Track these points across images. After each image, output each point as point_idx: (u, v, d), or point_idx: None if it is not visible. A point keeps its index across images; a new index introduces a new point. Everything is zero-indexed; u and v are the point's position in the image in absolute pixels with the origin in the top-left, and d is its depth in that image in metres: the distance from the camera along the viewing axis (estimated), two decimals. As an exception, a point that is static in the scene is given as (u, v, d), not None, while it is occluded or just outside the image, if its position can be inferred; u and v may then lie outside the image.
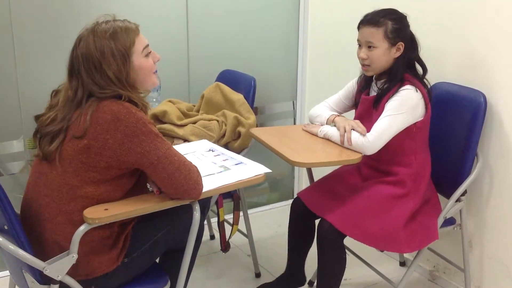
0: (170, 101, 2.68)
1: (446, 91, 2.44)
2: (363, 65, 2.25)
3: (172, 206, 1.74)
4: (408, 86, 2.15)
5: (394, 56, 2.20)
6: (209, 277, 2.80)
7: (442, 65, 2.54)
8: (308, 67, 3.46)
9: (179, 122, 2.55)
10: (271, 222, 3.35)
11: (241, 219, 2.64)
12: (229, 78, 2.83)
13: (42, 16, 2.64)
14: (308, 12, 3.36)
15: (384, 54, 2.19)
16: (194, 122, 2.54)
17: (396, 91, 2.16)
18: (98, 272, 1.71)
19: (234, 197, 2.60)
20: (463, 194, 2.29)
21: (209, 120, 2.55)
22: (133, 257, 1.77)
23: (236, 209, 2.61)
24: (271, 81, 3.44)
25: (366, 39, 2.21)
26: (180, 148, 2.17)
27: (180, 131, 2.50)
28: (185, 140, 2.47)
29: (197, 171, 1.73)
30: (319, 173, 2.52)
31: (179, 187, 1.69)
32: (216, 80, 2.87)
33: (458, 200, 2.30)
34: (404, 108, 2.14)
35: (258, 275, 2.81)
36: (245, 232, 2.80)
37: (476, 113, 2.25)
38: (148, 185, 1.82)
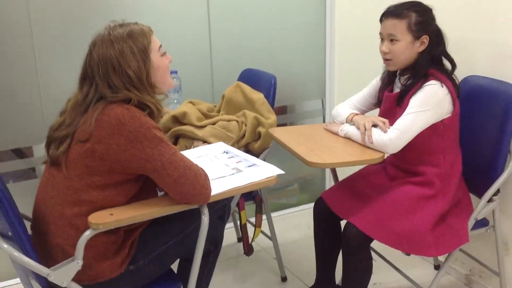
0: (190, 102, 2.63)
1: (476, 85, 2.30)
2: (385, 59, 2.15)
3: (179, 211, 1.68)
4: (433, 81, 2.04)
5: (418, 50, 2.09)
6: (235, 280, 2.74)
7: (472, 57, 2.41)
8: (336, 64, 3.37)
9: (198, 124, 2.50)
10: (300, 224, 3.27)
11: (265, 221, 2.57)
12: (250, 77, 2.77)
13: (62, 22, 2.64)
14: (335, 8, 3.27)
15: (407, 48, 2.08)
16: (214, 123, 2.49)
17: (420, 86, 2.05)
18: (101, 278, 1.67)
19: (256, 199, 2.53)
20: (496, 193, 2.16)
21: (229, 120, 2.49)
22: (139, 264, 1.73)
23: (258, 212, 2.54)
24: (299, 79, 3.38)
25: (388, 32, 2.10)
26: (194, 151, 2.12)
27: (199, 133, 2.45)
28: (205, 142, 2.42)
29: (205, 175, 1.67)
30: (345, 174, 2.43)
31: (185, 192, 1.63)
32: (238, 80, 2.81)
33: (490, 200, 2.16)
34: (429, 104, 2.02)
35: (284, 279, 2.73)
36: (270, 235, 2.72)
37: (508, 107, 2.11)
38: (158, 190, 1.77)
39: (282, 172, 1.86)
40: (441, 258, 2.75)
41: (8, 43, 2.55)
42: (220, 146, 2.15)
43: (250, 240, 2.53)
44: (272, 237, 2.69)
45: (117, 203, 1.66)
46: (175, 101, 2.73)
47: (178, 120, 2.55)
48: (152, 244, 1.76)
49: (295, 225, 3.26)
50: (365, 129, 2.10)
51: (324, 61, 3.38)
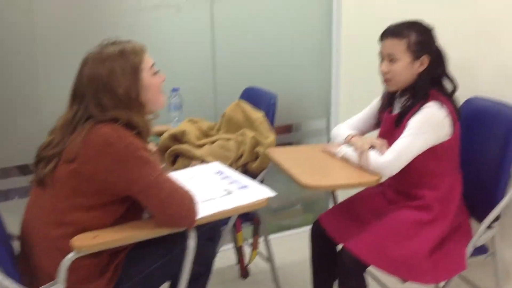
0: (190, 121, 2.62)
1: (479, 106, 2.25)
2: (384, 79, 2.11)
3: (165, 234, 1.66)
4: (431, 103, 1.99)
5: (418, 70, 2.05)
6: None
7: (476, 78, 2.36)
8: (342, 83, 3.33)
9: (197, 142, 2.48)
10: (303, 246, 3.18)
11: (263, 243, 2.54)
12: (251, 95, 2.75)
13: (65, 34, 2.65)
14: (341, 28, 3.24)
15: (407, 68, 2.04)
16: (212, 142, 2.47)
17: (419, 108, 2.01)
18: None
19: (254, 220, 2.50)
20: (495, 220, 2.09)
21: (227, 139, 2.47)
22: (124, 287, 1.70)
23: (255, 234, 2.51)
24: (304, 98, 3.36)
25: (388, 51, 2.07)
26: (188, 171, 2.10)
27: (198, 152, 2.43)
28: (203, 161, 2.39)
29: (191, 197, 1.65)
30: (346, 195, 2.38)
31: (171, 215, 1.61)
32: (239, 98, 2.79)
33: (490, 227, 2.10)
34: (427, 126, 1.98)
35: (282, 302, 2.68)
36: (269, 257, 2.68)
37: (510, 130, 2.06)
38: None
39: (273, 194, 1.83)
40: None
41: (12, 60, 2.56)
42: (215, 166, 2.12)
43: (246, 263, 2.50)
44: (270, 260, 2.64)
45: (102, 225, 1.64)
46: (176, 119, 2.71)
47: (177, 138, 2.53)
48: (137, 266, 1.73)
49: (298, 247, 3.19)
50: (362, 151, 2.06)
51: (330, 80, 3.35)
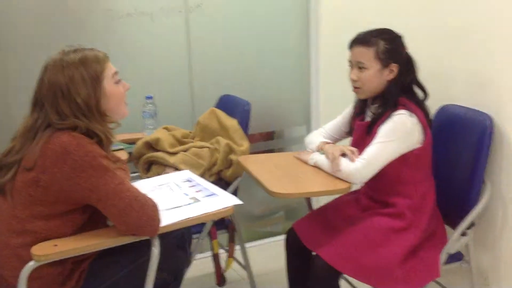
0: (165, 128, 2.60)
1: (452, 114, 2.24)
2: (354, 87, 2.10)
3: (127, 242, 1.63)
4: (401, 111, 1.98)
5: (387, 78, 2.04)
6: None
7: (450, 86, 2.35)
8: (321, 91, 3.32)
9: (171, 150, 2.46)
10: (283, 253, 3.18)
11: (238, 252, 2.51)
12: (226, 103, 2.74)
13: (36, 41, 2.62)
14: (319, 35, 3.23)
15: (376, 76, 2.03)
16: (186, 150, 2.45)
17: (389, 116, 1.99)
18: None
19: (229, 228, 2.48)
20: (470, 227, 2.08)
21: (201, 147, 2.45)
22: None
23: (231, 241, 2.49)
24: (284, 105, 3.36)
25: (356, 59, 2.06)
26: (156, 179, 2.07)
27: (171, 159, 2.41)
28: (176, 168, 2.37)
29: (153, 206, 1.62)
30: (321, 203, 2.36)
31: (131, 223, 1.58)
32: (215, 106, 2.77)
33: (464, 234, 2.08)
34: (396, 134, 1.97)
35: (259, 311, 2.66)
36: (245, 265, 2.66)
37: (482, 137, 2.05)
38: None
39: (240, 202, 1.81)
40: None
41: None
42: (184, 174, 2.10)
43: (222, 271, 2.47)
44: (247, 267, 2.62)
45: (62, 234, 1.61)
46: (151, 126, 2.70)
47: (151, 146, 2.51)
48: (102, 275, 1.71)
49: (278, 254, 3.16)
50: (333, 159, 2.04)
51: (309, 87, 3.33)
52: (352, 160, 2.00)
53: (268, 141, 3.42)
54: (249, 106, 2.54)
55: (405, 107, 2.00)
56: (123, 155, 2.31)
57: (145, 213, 1.59)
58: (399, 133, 1.96)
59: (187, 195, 1.88)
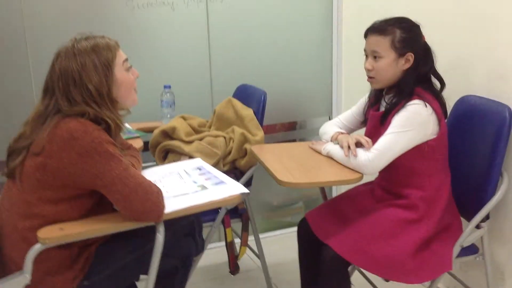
0: (182, 117, 2.61)
1: (471, 105, 2.19)
2: (368, 77, 2.07)
3: (132, 228, 1.65)
4: (416, 101, 1.94)
5: (403, 68, 2.00)
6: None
7: (469, 77, 2.30)
8: (344, 81, 3.28)
9: (187, 139, 2.47)
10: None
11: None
12: (243, 92, 2.73)
13: (58, 33, 2.66)
14: (342, 26, 3.20)
15: (391, 65, 2.00)
16: (201, 139, 2.46)
17: (403, 106, 1.96)
18: None
19: (243, 217, 2.48)
20: (484, 219, 2.03)
21: (216, 136, 2.46)
22: (94, 280, 1.70)
23: (244, 230, 2.49)
24: (306, 96, 3.33)
25: (371, 48, 2.03)
26: (167, 166, 2.08)
27: (186, 148, 2.42)
28: (191, 157, 2.39)
29: (157, 192, 1.63)
30: (335, 193, 2.35)
31: (135, 210, 1.60)
32: (233, 95, 2.77)
33: (479, 227, 2.04)
34: (411, 124, 1.93)
35: (272, 300, 2.66)
36: (259, 254, 2.65)
37: (501, 128, 1.99)
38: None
39: (247, 191, 1.80)
40: (440, 285, 2.62)
41: (3, 55, 2.60)
42: (196, 162, 2.11)
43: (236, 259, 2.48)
44: (260, 257, 2.61)
45: (70, 218, 1.64)
46: (168, 115, 2.72)
47: (168, 134, 2.53)
48: (109, 260, 1.73)
49: (295, 245, 3.17)
50: (346, 149, 2.02)
51: (331, 77, 3.31)
52: (365, 150, 1.98)
53: (290, 131, 3.41)
54: (265, 95, 2.52)
55: (420, 97, 1.95)
56: (138, 143, 2.32)
57: (149, 199, 1.60)
58: (413, 124, 1.92)
59: (195, 182, 1.89)
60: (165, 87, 2.70)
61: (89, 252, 1.70)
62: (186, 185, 1.87)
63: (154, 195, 1.62)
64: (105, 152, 1.57)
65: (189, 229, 1.94)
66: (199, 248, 2.19)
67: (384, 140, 1.95)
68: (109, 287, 1.75)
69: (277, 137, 3.32)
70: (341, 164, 2.04)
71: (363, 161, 1.95)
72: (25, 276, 1.57)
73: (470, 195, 2.09)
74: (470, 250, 2.09)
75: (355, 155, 1.97)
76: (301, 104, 3.33)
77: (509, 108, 2.00)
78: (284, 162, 2.09)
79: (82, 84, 1.63)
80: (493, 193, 2.01)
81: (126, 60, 1.77)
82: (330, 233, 2.07)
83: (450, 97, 2.25)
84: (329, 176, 1.97)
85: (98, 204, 1.69)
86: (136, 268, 1.77)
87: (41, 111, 1.66)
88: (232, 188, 1.81)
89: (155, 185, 1.65)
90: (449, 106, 2.25)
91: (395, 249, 1.95)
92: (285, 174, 1.95)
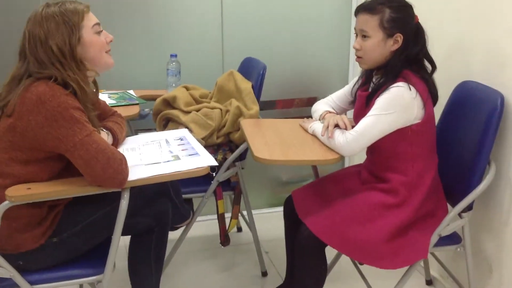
0: (185, 87, 2.63)
1: (467, 90, 2.13)
2: (357, 56, 2.02)
3: (95, 192, 1.70)
4: (400, 83, 1.88)
5: (391, 49, 1.94)
6: (215, 270, 2.73)
7: (470, 63, 2.21)
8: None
9: (185, 109, 2.49)
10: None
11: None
12: (246, 65, 2.72)
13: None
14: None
15: (379, 45, 1.94)
16: (198, 110, 2.47)
17: (387, 88, 1.91)
18: (23, 248, 1.72)
19: (235, 190, 2.50)
20: (467, 209, 1.97)
21: (213, 108, 2.47)
22: (63, 237, 1.76)
23: (236, 203, 2.52)
24: (323, 72, 3.30)
25: (360, 27, 1.98)
26: (151, 134, 2.12)
27: (183, 118, 2.45)
28: (187, 127, 2.41)
29: (120, 159, 1.67)
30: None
31: (95, 176, 1.64)
32: (238, 68, 2.77)
33: (461, 216, 1.99)
34: (393, 107, 1.88)
35: (264, 273, 2.68)
36: (250, 229, 2.67)
37: (491, 116, 1.92)
38: None
39: (215, 163, 1.82)
40: (434, 273, 2.57)
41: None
42: (180, 132, 2.13)
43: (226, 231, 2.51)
44: (253, 232, 2.63)
45: (40, 179, 1.70)
46: (173, 84, 2.74)
47: (169, 103, 2.56)
48: (77, 217, 1.79)
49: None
50: (327, 129, 1.99)
51: (348, 53, 3.26)
52: (345, 130, 1.95)
53: (307, 107, 3.38)
54: (264, 69, 2.50)
55: (405, 79, 1.90)
56: (135, 110, 2.38)
57: (111, 166, 1.64)
58: (396, 106, 1.87)
59: (171, 152, 1.91)
60: (171, 56, 2.73)
61: (58, 210, 1.76)
62: (161, 154, 1.89)
63: (116, 162, 1.65)
64: (70, 117, 1.62)
65: (161, 189, 1.98)
66: (185, 213, 2.24)
67: (364, 122, 1.91)
68: (77, 244, 1.81)
69: (292, 112, 3.31)
70: (323, 143, 2.03)
71: (341, 142, 1.92)
72: (-7, 231, 1.65)
73: (457, 183, 2.03)
74: (453, 240, 2.04)
75: (331, 137, 1.95)
76: (318, 80, 3.29)
77: (502, 96, 1.92)
78: (268, 138, 2.09)
79: (47, 44, 1.68)
80: (478, 182, 1.95)
81: (98, 24, 1.80)
82: (310, 212, 2.07)
83: (450, 83, 2.19)
84: (306, 155, 1.95)
85: (68, 168, 1.74)
86: (104, 225, 1.81)
87: (15, 74, 1.72)
88: (202, 160, 1.83)
89: (118, 152, 1.69)
90: (448, 91, 2.19)
91: (370, 233, 1.93)
92: (262, 150, 1.95)
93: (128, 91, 2.74)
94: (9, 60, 1.78)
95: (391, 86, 1.89)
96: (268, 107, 3.29)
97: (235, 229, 3.07)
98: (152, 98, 2.66)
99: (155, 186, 1.91)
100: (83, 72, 1.74)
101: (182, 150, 1.94)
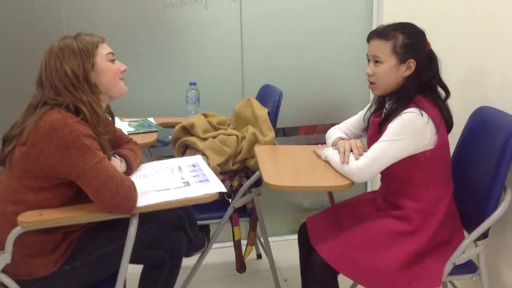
0: (203, 114, 2.67)
1: (483, 116, 2.09)
2: (369, 82, 2.02)
3: (106, 219, 1.73)
4: (411, 109, 1.87)
5: (404, 74, 1.94)
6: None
7: (485, 88, 2.19)
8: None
9: (203, 135, 2.53)
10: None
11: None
12: (263, 92, 2.75)
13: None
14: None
15: (391, 71, 1.94)
16: (215, 137, 2.50)
17: (399, 114, 1.90)
18: (36, 274, 1.76)
19: (251, 216, 2.50)
20: (480, 238, 1.93)
21: (229, 134, 2.49)
22: (76, 265, 1.79)
23: (252, 230, 2.51)
24: (346, 98, 3.31)
25: (373, 53, 1.98)
26: (165, 162, 2.15)
27: (200, 144, 2.48)
28: (203, 154, 2.44)
29: (129, 186, 1.69)
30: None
31: (105, 202, 1.67)
32: (256, 95, 2.79)
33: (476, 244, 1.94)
34: (404, 133, 1.86)
35: (280, 301, 2.65)
36: (266, 253, 2.66)
37: (507, 141, 1.87)
38: None
39: (224, 190, 1.83)
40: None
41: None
42: (194, 159, 2.16)
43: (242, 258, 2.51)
44: (268, 256, 2.61)
45: (52, 206, 1.74)
46: (193, 112, 2.78)
47: (187, 130, 2.60)
48: (91, 246, 1.82)
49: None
50: (342, 153, 1.99)
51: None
52: (356, 157, 1.94)
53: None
54: (280, 95, 2.52)
55: (417, 105, 1.89)
56: (152, 137, 2.43)
57: (119, 192, 1.67)
58: (407, 132, 1.86)
59: (182, 179, 1.93)
60: (190, 83, 2.77)
61: (72, 238, 1.80)
62: (172, 181, 1.92)
63: (125, 189, 1.68)
64: (81, 145, 1.66)
65: (177, 223, 2.00)
66: (199, 243, 2.25)
67: (375, 148, 1.90)
68: (89, 273, 1.83)
69: (313, 138, 3.31)
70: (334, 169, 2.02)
71: (353, 169, 1.91)
72: (5, 256, 1.69)
73: (473, 210, 1.99)
74: (468, 268, 1.99)
75: (347, 162, 1.94)
76: (340, 106, 3.30)
77: (517, 121, 1.88)
78: (280, 165, 2.09)
79: (62, 68, 1.75)
80: (494, 209, 1.90)
81: (112, 53, 1.87)
82: (322, 239, 2.05)
83: (466, 109, 2.16)
84: (317, 181, 1.94)
85: (80, 195, 1.78)
86: (116, 257, 1.84)
87: (32, 101, 1.78)
88: (211, 187, 1.84)
89: (128, 179, 1.72)
90: (465, 117, 2.16)
91: (384, 261, 1.90)
92: (273, 176, 1.95)
93: (148, 118, 2.79)
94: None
95: (402, 112, 1.88)
96: (291, 134, 3.31)
97: (254, 256, 3.06)
98: (172, 126, 2.70)
99: (170, 218, 1.93)
100: (96, 95, 1.79)
101: (193, 176, 1.96)
